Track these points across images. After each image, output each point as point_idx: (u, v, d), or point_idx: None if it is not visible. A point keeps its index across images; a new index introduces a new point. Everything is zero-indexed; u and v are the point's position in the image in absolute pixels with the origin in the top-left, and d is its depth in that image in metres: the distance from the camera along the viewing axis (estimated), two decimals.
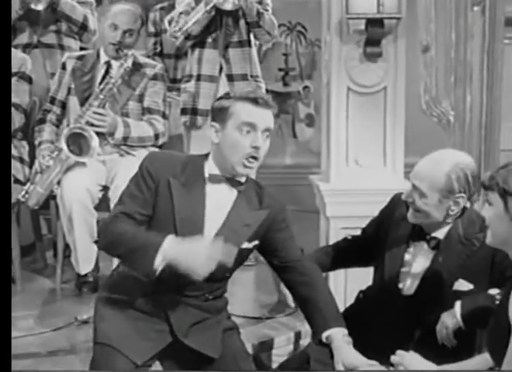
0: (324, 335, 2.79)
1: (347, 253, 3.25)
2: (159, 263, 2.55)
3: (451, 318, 2.80)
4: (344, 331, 2.79)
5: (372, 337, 2.93)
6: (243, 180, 2.75)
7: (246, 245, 2.76)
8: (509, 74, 5.21)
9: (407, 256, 2.97)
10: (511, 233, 2.27)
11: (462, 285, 2.89)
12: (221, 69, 4.37)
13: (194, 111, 4.41)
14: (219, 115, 2.72)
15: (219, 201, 2.73)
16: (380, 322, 2.96)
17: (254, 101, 2.68)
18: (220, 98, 2.80)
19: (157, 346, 2.78)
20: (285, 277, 2.94)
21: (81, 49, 4.67)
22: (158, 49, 5.09)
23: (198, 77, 4.37)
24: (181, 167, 2.73)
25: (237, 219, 2.74)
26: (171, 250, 2.54)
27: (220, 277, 2.77)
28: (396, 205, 3.07)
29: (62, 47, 4.62)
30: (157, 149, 4.18)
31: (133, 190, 2.71)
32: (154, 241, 2.57)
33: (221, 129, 2.70)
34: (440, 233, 2.92)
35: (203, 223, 2.71)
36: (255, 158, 2.68)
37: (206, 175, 2.73)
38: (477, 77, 4.92)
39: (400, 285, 2.97)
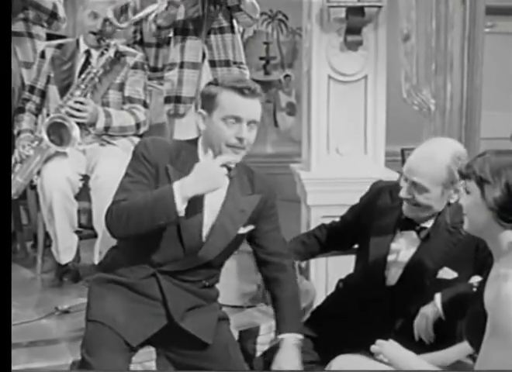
0: (279, 336, 2.88)
1: (324, 241, 3.26)
2: (181, 204, 2.58)
3: (431, 308, 2.81)
4: (297, 336, 2.87)
5: (352, 327, 2.94)
6: (233, 166, 2.75)
7: (242, 230, 2.83)
8: (489, 62, 5.23)
9: (394, 245, 2.96)
10: (488, 221, 2.29)
11: (446, 273, 2.90)
12: (204, 56, 4.34)
13: (177, 99, 4.38)
14: (206, 102, 2.75)
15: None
16: (361, 311, 2.96)
17: (241, 91, 2.69)
18: (209, 83, 2.82)
19: (152, 328, 2.81)
20: (262, 270, 3.00)
21: (48, 36, 4.61)
22: (138, 37, 5.05)
23: (181, 65, 4.34)
24: (176, 152, 2.77)
25: (233, 205, 2.80)
26: (186, 187, 2.58)
27: (218, 262, 2.86)
28: (378, 194, 3.08)
29: (31, 35, 4.57)
30: (138, 138, 4.16)
31: (135, 176, 2.73)
32: (164, 189, 2.62)
33: (208, 117, 2.73)
34: (429, 223, 2.93)
35: (202, 212, 2.76)
36: (240, 148, 2.70)
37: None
38: (458, 66, 4.94)
39: (386, 274, 2.97)
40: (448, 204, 2.90)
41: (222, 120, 2.69)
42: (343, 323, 3.00)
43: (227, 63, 4.32)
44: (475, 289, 2.61)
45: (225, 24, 4.28)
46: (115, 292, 2.82)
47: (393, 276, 2.96)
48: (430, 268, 2.90)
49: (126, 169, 2.78)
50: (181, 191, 2.58)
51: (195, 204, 2.70)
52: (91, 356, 2.70)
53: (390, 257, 2.97)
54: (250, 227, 2.86)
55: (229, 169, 2.70)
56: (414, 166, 2.82)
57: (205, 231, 2.77)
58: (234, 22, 4.36)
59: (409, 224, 2.94)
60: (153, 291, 2.81)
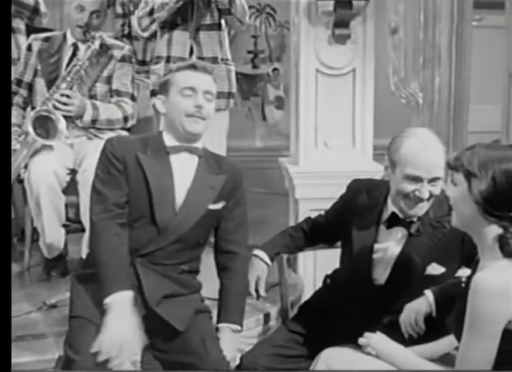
0: (220, 325, 2.96)
1: (310, 235, 3.25)
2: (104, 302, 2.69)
3: (422, 303, 2.79)
4: (236, 327, 2.96)
5: (341, 323, 2.93)
6: (199, 146, 2.95)
7: (212, 206, 2.90)
8: (477, 56, 5.24)
9: (378, 245, 2.95)
10: (474, 215, 2.29)
11: (434, 269, 2.89)
12: (191, 51, 4.32)
13: None
14: (162, 88, 2.96)
15: (183, 168, 2.90)
16: (349, 309, 2.96)
17: (192, 66, 2.92)
18: (164, 75, 3.06)
19: None
20: (219, 257, 3.05)
21: (27, 28, 4.58)
22: (126, 30, 5.03)
23: (168, 59, 4.32)
24: (143, 142, 2.92)
25: (202, 182, 2.90)
26: (112, 309, 2.68)
27: (193, 240, 2.90)
28: (355, 194, 3.06)
29: (12, 30, 4.54)
30: (125, 132, 4.15)
31: (105, 177, 2.85)
32: (111, 285, 2.72)
33: (166, 99, 2.92)
34: (414, 217, 2.91)
35: (174, 190, 2.86)
36: (200, 117, 2.87)
37: (167, 147, 2.90)
38: (445, 59, 4.95)
39: (373, 273, 2.96)
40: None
41: (179, 94, 2.88)
42: (331, 319, 3.00)
43: (215, 60, 4.31)
44: (463, 284, 2.62)
45: (213, 21, 4.27)
46: (94, 286, 2.83)
47: (381, 274, 2.95)
48: (418, 265, 2.89)
49: (95, 170, 2.90)
50: (110, 304, 2.68)
51: (165, 182, 2.85)
52: (76, 354, 2.70)
53: (376, 256, 2.95)
54: (221, 204, 2.93)
55: (197, 149, 2.91)
56: (429, 162, 2.76)
57: (177, 206, 2.85)
58: (222, 20, 4.34)
59: (395, 221, 2.92)
60: (132, 279, 2.82)
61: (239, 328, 2.97)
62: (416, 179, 2.77)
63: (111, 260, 2.76)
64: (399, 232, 2.93)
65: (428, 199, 2.81)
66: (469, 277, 2.45)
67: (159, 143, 2.91)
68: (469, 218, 2.32)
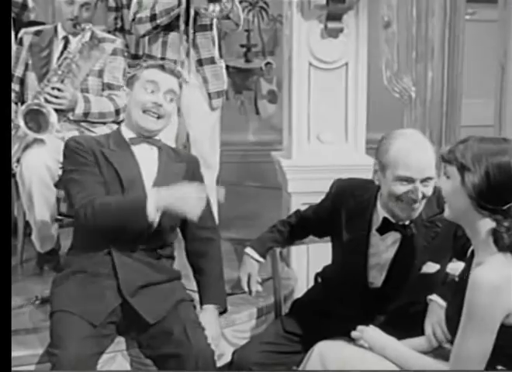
0: (203, 307, 3.09)
1: (300, 229, 3.26)
2: (153, 214, 2.80)
3: (435, 314, 2.73)
4: (219, 308, 3.08)
5: (334, 324, 2.91)
6: (157, 137, 3.11)
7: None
8: (470, 50, 5.24)
9: (371, 250, 2.93)
10: (467, 208, 2.30)
11: (429, 267, 2.88)
12: (188, 54, 4.30)
13: None
14: (129, 81, 3.10)
15: (146, 158, 3.05)
16: (343, 310, 2.95)
17: (161, 67, 3.06)
18: (134, 70, 3.15)
19: (110, 305, 2.90)
20: (191, 244, 3.16)
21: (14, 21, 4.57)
22: (119, 24, 5.01)
23: (162, 60, 4.30)
24: (104, 138, 3.10)
25: (166, 170, 3.05)
26: (161, 198, 2.80)
27: (166, 226, 3.00)
28: (342, 197, 3.02)
29: None
30: (117, 126, 4.14)
31: (78, 168, 2.96)
32: (139, 197, 2.84)
33: (130, 92, 3.08)
34: (407, 221, 2.88)
35: (142, 178, 3.01)
36: (157, 115, 3.00)
37: (126, 139, 3.07)
38: (438, 53, 4.95)
39: (370, 279, 2.95)
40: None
41: (141, 87, 3.01)
42: (325, 320, 2.98)
43: (212, 60, 4.32)
44: (457, 279, 2.62)
45: (207, 22, 4.27)
46: (74, 281, 2.94)
47: (377, 278, 2.94)
48: (413, 266, 2.88)
49: (63, 169, 3.06)
50: (155, 201, 2.79)
51: (133, 172, 3.00)
52: (57, 349, 2.74)
53: (371, 261, 2.93)
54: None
55: (156, 140, 3.08)
56: (422, 163, 2.74)
57: (147, 191, 2.93)
58: (215, 20, 4.33)
59: (388, 226, 2.89)
60: (108, 268, 2.93)
61: (221, 309, 3.09)
62: (409, 180, 2.74)
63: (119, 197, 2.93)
64: (393, 236, 2.90)
65: (421, 200, 2.78)
66: (464, 272, 2.46)
67: (119, 137, 3.08)
68: (462, 211, 2.32)
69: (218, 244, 3.20)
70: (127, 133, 3.08)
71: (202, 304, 3.09)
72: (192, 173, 3.12)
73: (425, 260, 2.88)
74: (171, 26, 4.22)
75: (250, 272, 3.15)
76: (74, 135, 3.97)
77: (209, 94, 4.31)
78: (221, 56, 4.54)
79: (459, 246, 2.84)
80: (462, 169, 2.28)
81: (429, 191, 2.77)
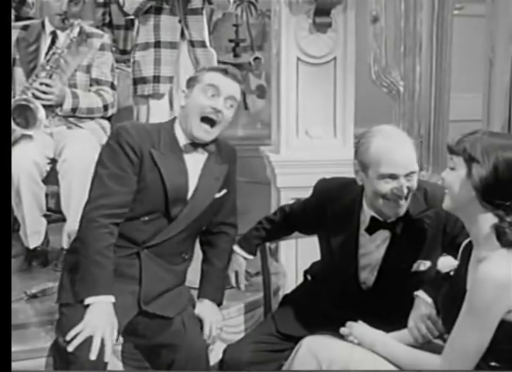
0: (200, 299, 3.07)
1: (285, 226, 3.25)
2: (84, 302, 2.72)
3: (421, 311, 2.73)
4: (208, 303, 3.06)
5: (326, 323, 2.88)
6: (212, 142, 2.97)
7: (217, 195, 3.00)
8: (458, 44, 5.25)
9: (361, 251, 2.91)
10: (470, 200, 2.30)
11: (421, 265, 2.87)
12: (182, 35, 4.28)
13: (156, 79, 4.31)
14: (189, 82, 2.98)
15: (195, 163, 2.95)
16: (334, 309, 2.93)
17: (224, 71, 2.95)
18: (197, 71, 3.07)
19: (127, 316, 2.85)
20: (209, 237, 3.15)
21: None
22: (107, 19, 5.00)
23: (157, 44, 4.27)
24: (157, 135, 2.91)
25: (209, 174, 2.97)
26: (93, 312, 2.69)
27: (197, 230, 3.03)
28: (327, 199, 3.00)
29: None
30: (106, 121, 4.14)
31: (114, 169, 2.80)
32: (98, 287, 2.73)
33: (189, 94, 2.94)
34: (394, 218, 2.86)
35: (187, 186, 2.92)
36: (213, 121, 2.87)
37: (181, 144, 2.93)
38: (426, 48, 4.95)
39: (362, 280, 2.93)
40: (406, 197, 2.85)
41: (202, 91, 2.88)
42: (316, 319, 2.96)
43: (203, 44, 4.30)
44: (452, 273, 2.62)
45: (199, 5, 4.25)
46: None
47: (368, 278, 2.93)
48: (404, 264, 2.86)
49: (102, 156, 2.85)
50: (93, 306, 2.70)
51: (180, 180, 2.88)
52: (77, 350, 2.67)
53: (361, 262, 2.91)
54: (224, 191, 3.02)
55: (209, 146, 2.94)
56: (405, 159, 2.72)
57: (189, 195, 2.91)
58: (205, 3, 4.31)
59: (376, 225, 2.87)
60: (133, 271, 2.88)
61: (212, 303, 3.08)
62: (393, 177, 2.72)
63: (101, 261, 2.75)
64: (382, 235, 2.88)
65: (406, 196, 2.77)
66: (460, 266, 2.46)
67: (172, 139, 2.92)
68: (465, 202, 2.32)
69: (232, 239, 3.18)
70: (182, 137, 2.94)
71: (199, 295, 3.09)
72: (230, 173, 3.06)
73: (415, 257, 2.86)
74: (161, 9, 4.19)
75: (237, 269, 3.18)
76: (62, 130, 3.98)
77: None
78: None
79: (448, 241, 2.84)
80: (470, 160, 2.28)
81: (414, 185, 2.76)
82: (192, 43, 4.28)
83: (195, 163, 2.95)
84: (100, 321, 2.66)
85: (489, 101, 4.91)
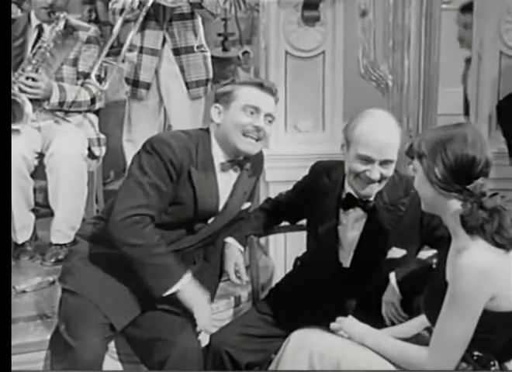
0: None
1: (273, 214, 3.27)
2: (170, 292, 2.75)
3: (391, 295, 2.83)
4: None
5: (311, 305, 2.96)
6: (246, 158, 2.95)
7: (243, 207, 3.04)
8: (446, 38, 5.25)
9: (340, 228, 2.95)
10: (433, 194, 2.36)
11: (395, 252, 2.91)
12: (163, 42, 4.27)
13: (135, 83, 4.34)
14: (222, 98, 2.89)
15: (227, 181, 2.94)
16: (317, 290, 2.98)
17: (260, 85, 2.87)
18: (225, 84, 2.96)
19: (135, 311, 2.87)
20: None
21: None
22: (93, 16, 4.99)
23: (141, 50, 4.28)
24: (195, 149, 2.86)
25: (240, 190, 2.97)
26: (186, 291, 2.78)
27: (217, 238, 3.05)
28: (316, 177, 3.06)
29: None
30: (93, 115, 4.12)
31: (156, 180, 2.77)
32: (176, 272, 2.77)
33: (224, 110, 2.88)
34: (370, 198, 2.91)
35: (218, 206, 2.92)
36: (257, 138, 2.85)
37: (216, 162, 2.89)
38: (415, 42, 4.94)
39: (340, 259, 2.97)
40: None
41: (241, 110, 2.84)
42: (300, 300, 3.01)
43: (191, 50, 4.28)
44: (434, 265, 2.64)
45: (186, 11, 4.23)
46: (104, 269, 2.85)
47: (346, 258, 2.96)
48: (379, 248, 2.91)
49: (142, 163, 2.79)
50: (183, 288, 2.76)
51: (211, 199, 2.89)
52: (76, 341, 2.73)
53: (340, 242, 2.96)
54: (248, 204, 3.07)
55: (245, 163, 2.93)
56: (383, 145, 2.76)
57: (220, 207, 2.93)
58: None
59: (351, 202, 2.91)
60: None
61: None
62: (368, 159, 2.77)
63: (162, 251, 2.77)
64: (357, 214, 2.92)
65: (380, 181, 2.81)
66: (440, 257, 2.48)
67: (209, 158, 2.88)
68: (431, 199, 2.39)
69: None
70: (218, 156, 2.91)
71: None
72: (256, 183, 3.11)
73: (390, 243, 2.90)
74: (149, 15, 4.18)
75: (236, 261, 3.12)
76: (49, 124, 3.97)
77: (187, 83, 4.27)
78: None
79: (427, 234, 2.89)
80: (421, 159, 2.36)
81: (388, 173, 2.80)
82: (175, 51, 4.26)
83: (227, 180, 2.94)
84: (197, 296, 2.80)
85: (477, 94, 4.93)
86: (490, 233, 2.27)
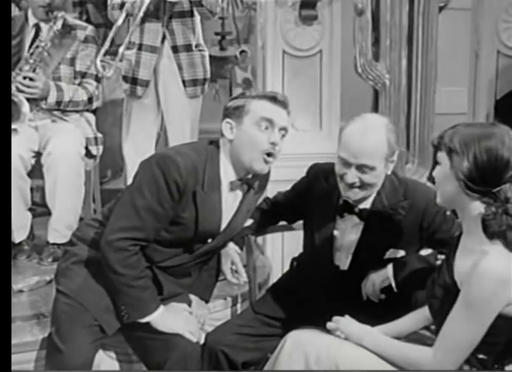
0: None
1: (271, 214, 3.26)
2: (140, 321, 2.74)
3: (380, 277, 2.84)
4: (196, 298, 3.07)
5: (307, 305, 2.96)
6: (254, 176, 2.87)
7: (246, 223, 3.05)
8: (443, 38, 5.25)
9: (336, 232, 2.94)
10: (457, 192, 2.32)
11: (394, 253, 2.91)
12: (163, 40, 4.27)
13: (134, 81, 4.33)
14: (234, 112, 2.77)
15: (233, 200, 2.86)
16: (313, 291, 2.98)
17: (273, 99, 2.76)
18: (235, 98, 2.85)
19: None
20: None
21: None
22: (84, 18, 4.99)
23: (140, 47, 4.28)
24: (202, 171, 2.74)
25: (245, 208, 2.91)
26: (158, 323, 2.77)
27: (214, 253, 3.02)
28: (314, 179, 3.05)
29: None
30: (90, 114, 4.12)
31: (153, 204, 2.67)
32: (148, 307, 2.75)
33: (237, 126, 2.76)
34: (366, 204, 2.89)
35: (220, 227, 2.86)
36: (272, 155, 2.75)
37: (223, 182, 2.79)
38: (412, 41, 4.94)
39: (336, 262, 2.96)
40: (382, 185, 2.88)
41: (255, 125, 2.72)
42: (296, 301, 3.01)
43: (189, 48, 4.28)
44: (439, 262, 2.64)
45: (186, 9, 4.23)
46: (99, 274, 2.80)
47: (343, 261, 2.96)
48: (377, 251, 2.90)
49: (141, 183, 2.69)
50: (155, 321, 2.76)
51: (213, 219, 2.81)
52: (64, 344, 2.73)
53: (336, 243, 2.95)
54: (251, 221, 3.08)
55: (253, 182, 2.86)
56: (358, 149, 2.72)
57: (222, 227, 2.86)
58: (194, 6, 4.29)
59: (347, 208, 2.90)
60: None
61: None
62: (345, 163, 2.75)
63: (143, 284, 2.74)
64: (353, 220, 2.91)
65: (361, 187, 2.77)
66: (449, 255, 2.46)
67: (216, 177, 2.78)
68: (452, 195, 2.34)
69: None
70: (227, 174, 2.81)
71: (189, 291, 3.07)
72: (259, 199, 3.07)
73: (389, 246, 2.90)
74: (147, 13, 4.18)
75: (234, 260, 3.07)
76: (46, 123, 3.96)
77: (184, 82, 4.27)
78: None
79: (426, 237, 2.89)
80: (451, 153, 2.30)
81: (369, 179, 2.76)
82: (174, 49, 4.26)
83: (233, 199, 2.86)
84: (170, 325, 2.79)
85: (475, 94, 4.93)
86: (511, 240, 2.25)
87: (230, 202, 2.85)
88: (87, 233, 2.92)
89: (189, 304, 3.03)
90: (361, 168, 2.74)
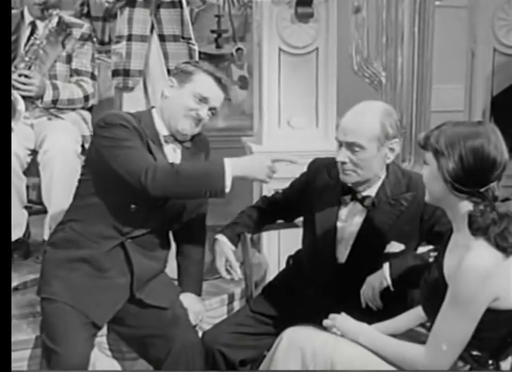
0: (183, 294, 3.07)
1: (269, 213, 3.26)
2: (229, 182, 2.75)
3: (378, 280, 2.83)
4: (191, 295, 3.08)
5: (303, 302, 2.96)
6: (188, 138, 3.01)
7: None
8: (440, 35, 5.26)
9: (339, 223, 2.95)
10: (444, 192, 2.32)
11: (394, 247, 2.91)
12: (152, 28, 4.25)
13: (126, 73, 4.31)
14: (180, 75, 2.98)
15: (174, 155, 2.99)
16: (311, 287, 2.98)
17: (218, 79, 2.95)
18: (188, 62, 3.10)
19: (117, 303, 2.88)
20: (184, 234, 3.15)
21: None
22: (85, 10, 4.96)
23: (129, 38, 4.26)
24: (138, 123, 2.90)
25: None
26: (236, 167, 2.76)
27: (179, 220, 3.04)
28: (315, 173, 3.06)
29: None
30: (86, 112, 4.11)
31: (132, 142, 2.82)
32: (215, 164, 2.77)
33: (177, 87, 2.96)
34: (371, 192, 2.91)
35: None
36: (195, 124, 2.94)
37: (161, 136, 2.96)
38: (408, 39, 4.95)
39: (337, 254, 2.97)
40: (386, 176, 2.90)
41: (191, 94, 2.91)
42: (293, 298, 3.02)
43: (176, 38, 4.25)
44: (431, 259, 2.64)
45: None
46: (76, 271, 2.86)
47: (342, 253, 2.96)
48: (377, 243, 2.90)
49: (116, 141, 2.80)
50: (232, 169, 2.74)
51: (161, 155, 2.91)
52: (59, 346, 2.73)
53: (338, 237, 2.95)
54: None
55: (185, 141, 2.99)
56: (348, 126, 2.79)
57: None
58: None
59: (350, 194, 2.92)
60: (119, 262, 2.89)
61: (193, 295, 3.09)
62: (338, 142, 2.83)
63: (193, 166, 2.86)
64: (356, 209, 2.92)
65: (353, 170, 2.81)
66: (439, 252, 2.47)
67: (153, 131, 2.94)
68: (440, 195, 2.34)
69: (204, 228, 3.21)
70: (162, 129, 2.99)
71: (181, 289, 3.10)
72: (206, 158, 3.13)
73: (389, 238, 2.90)
74: (136, 2, 4.15)
75: (227, 257, 3.09)
76: (42, 121, 3.95)
77: (168, 71, 4.24)
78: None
79: (426, 229, 2.88)
80: (437, 154, 2.29)
81: (358, 160, 2.79)
82: (161, 37, 4.24)
83: (174, 155, 2.98)
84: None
85: (471, 92, 4.93)
86: (494, 235, 2.24)
87: (172, 157, 2.96)
88: (56, 237, 3.01)
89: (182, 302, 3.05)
90: (350, 146, 2.78)
